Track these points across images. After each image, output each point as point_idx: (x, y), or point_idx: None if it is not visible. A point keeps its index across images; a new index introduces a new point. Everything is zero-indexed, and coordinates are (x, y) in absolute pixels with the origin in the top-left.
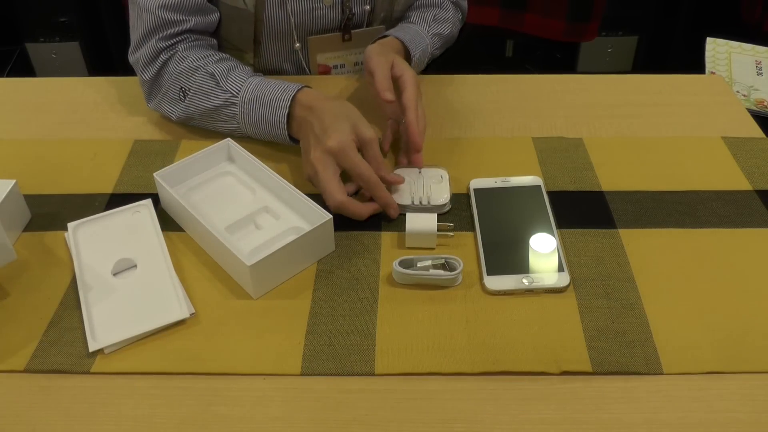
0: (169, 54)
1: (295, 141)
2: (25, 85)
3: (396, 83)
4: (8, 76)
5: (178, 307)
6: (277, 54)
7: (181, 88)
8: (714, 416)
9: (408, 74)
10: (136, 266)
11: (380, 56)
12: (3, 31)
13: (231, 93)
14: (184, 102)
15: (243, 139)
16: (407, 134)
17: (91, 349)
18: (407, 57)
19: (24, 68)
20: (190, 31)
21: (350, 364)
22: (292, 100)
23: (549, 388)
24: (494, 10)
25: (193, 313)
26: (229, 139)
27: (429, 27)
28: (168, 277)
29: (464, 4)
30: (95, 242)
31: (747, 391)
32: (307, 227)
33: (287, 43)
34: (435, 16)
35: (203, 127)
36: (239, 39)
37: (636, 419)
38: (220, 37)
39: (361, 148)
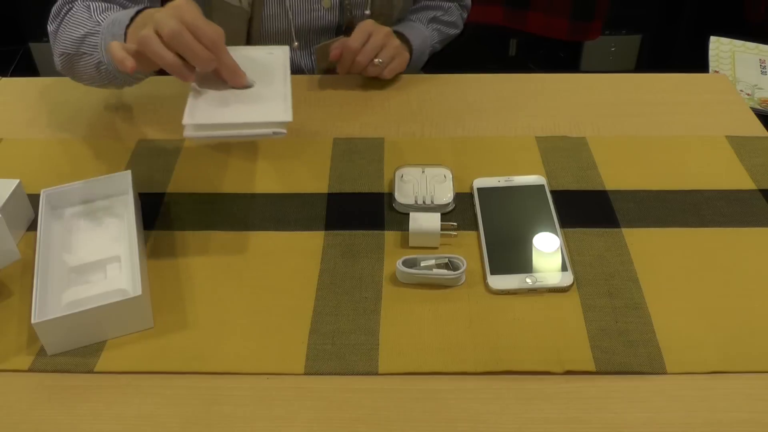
0: (69, 7)
1: None
2: (28, 85)
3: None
4: (12, 75)
5: (283, 110)
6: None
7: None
8: (718, 416)
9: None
10: None
11: (368, 23)
12: (7, 31)
13: (97, 22)
14: (62, 38)
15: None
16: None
17: (184, 122)
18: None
19: (27, 68)
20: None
21: (354, 364)
22: (137, 12)
23: (552, 387)
24: (498, 9)
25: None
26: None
27: (428, 23)
28: (281, 87)
29: (468, 2)
30: None
31: (751, 391)
32: (130, 293)
33: (283, 42)
34: (435, 16)
35: (81, 73)
36: (231, 35)
37: (639, 419)
38: None
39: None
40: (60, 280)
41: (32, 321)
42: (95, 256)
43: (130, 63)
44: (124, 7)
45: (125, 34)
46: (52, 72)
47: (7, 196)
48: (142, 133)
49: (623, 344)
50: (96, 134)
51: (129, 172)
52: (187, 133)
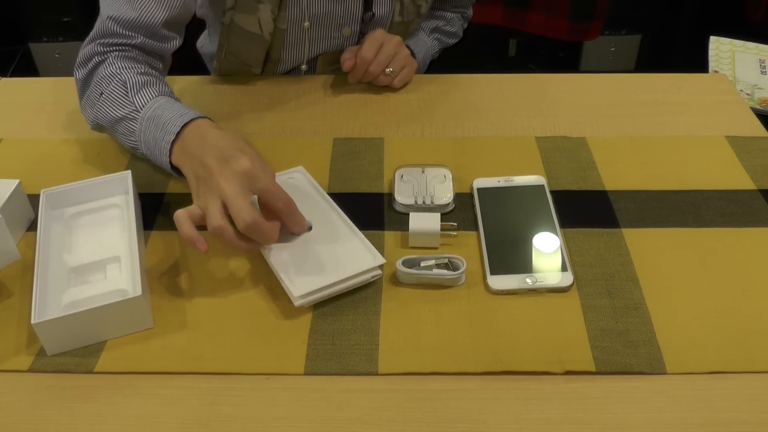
0: (100, 59)
1: (177, 172)
2: (28, 85)
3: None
4: (12, 76)
5: (371, 256)
6: (284, 69)
7: (101, 93)
8: (718, 416)
9: (379, 33)
10: None
11: (379, 32)
12: (6, 32)
13: (136, 107)
14: (96, 107)
15: None
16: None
17: (296, 294)
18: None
19: (27, 68)
20: (135, 47)
21: (353, 364)
22: (183, 126)
23: (552, 387)
24: (497, 9)
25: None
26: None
27: (431, 32)
28: (350, 232)
29: (470, 12)
30: None
31: (751, 391)
32: (130, 293)
33: (296, 63)
34: (438, 26)
35: (114, 139)
36: (248, 57)
37: (639, 419)
38: (227, 52)
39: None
40: (60, 281)
41: (32, 321)
42: (95, 256)
43: (203, 246)
44: (158, 69)
45: (171, 150)
46: (52, 72)
47: (7, 196)
48: None
49: (623, 344)
50: (96, 134)
51: (129, 172)
52: (299, 303)
